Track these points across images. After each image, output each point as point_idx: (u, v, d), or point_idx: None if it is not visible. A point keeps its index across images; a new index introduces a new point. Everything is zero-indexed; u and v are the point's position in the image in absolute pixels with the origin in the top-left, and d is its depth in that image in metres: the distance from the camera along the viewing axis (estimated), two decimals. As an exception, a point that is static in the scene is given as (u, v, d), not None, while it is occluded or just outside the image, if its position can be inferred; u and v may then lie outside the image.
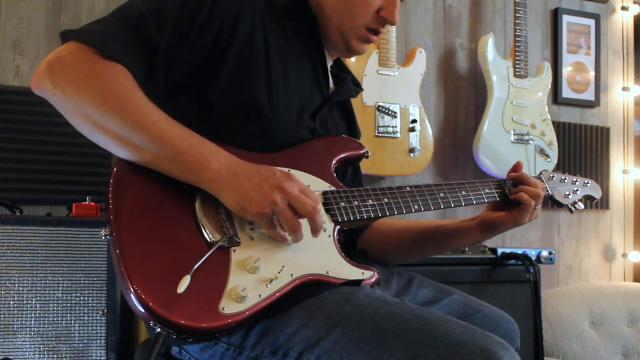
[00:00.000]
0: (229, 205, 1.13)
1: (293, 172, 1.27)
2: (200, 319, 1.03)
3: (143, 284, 1.02)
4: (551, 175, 1.59)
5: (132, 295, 1.02)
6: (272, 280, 1.11)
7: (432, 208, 1.37)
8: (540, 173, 1.59)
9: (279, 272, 1.12)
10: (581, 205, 1.60)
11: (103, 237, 1.10)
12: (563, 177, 1.60)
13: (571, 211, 1.59)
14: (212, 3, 1.24)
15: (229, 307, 1.06)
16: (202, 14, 1.23)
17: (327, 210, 1.25)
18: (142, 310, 1.02)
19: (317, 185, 1.28)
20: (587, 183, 1.63)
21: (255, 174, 1.13)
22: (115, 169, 1.15)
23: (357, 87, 1.56)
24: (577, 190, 1.60)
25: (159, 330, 1.03)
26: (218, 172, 1.12)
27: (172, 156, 1.12)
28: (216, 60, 1.25)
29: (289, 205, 1.12)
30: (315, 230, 1.15)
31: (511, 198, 1.46)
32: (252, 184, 1.12)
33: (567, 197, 1.58)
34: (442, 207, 1.38)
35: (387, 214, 1.31)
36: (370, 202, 1.30)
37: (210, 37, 1.24)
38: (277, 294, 1.11)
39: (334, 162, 1.35)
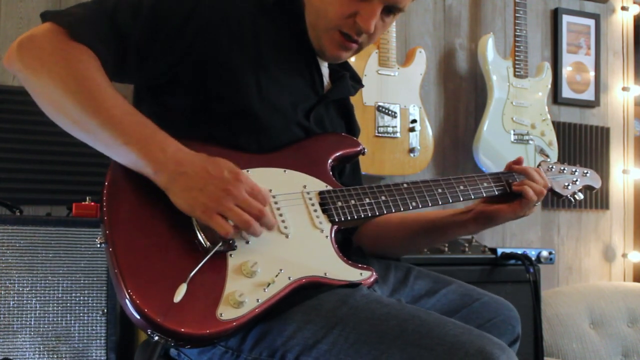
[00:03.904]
0: (176, 204, 1.10)
1: (289, 172, 1.27)
2: (197, 326, 1.03)
3: (139, 292, 1.02)
4: (550, 166, 1.57)
5: (128, 303, 1.02)
6: (269, 284, 1.10)
7: (430, 205, 1.36)
8: (539, 164, 1.57)
9: (276, 276, 1.12)
10: (581, 196, 1.58)
11: (98, 246, 1.10)
12: (562, 168, 1.58)
13: (571, 202, 1.58)
14: (195, 1, 1.24)
15: (226, 313, 1.05)
16: (182, 10, 1.22)
17: (324, 211, 1.25)
18: (138, 317, 1.01)
19: (313, 185, 1.28)
20: (587, 173, 1.61)
21: (201, 173, 1.10)
22: (109, 175, 1.14)
23: (356, 84, 1.53)
24: (577, 180, 1.58)
25: (157, 338, 1.03)
26: (162, 166, 1.10)
27: (120, 145, 1.11)
28: (204, 61, 1.24)
29: (236, 205, 1.09)
30: (268, 229, 1.13)
31: (514, 189, 1.43)
32: (197, 183, 1.09)
33: (567, 188, 1.56)
34: (440, 203, 1.38)
35: (385, 212, 1.30)
36: (368, 200, 1.29)
37: (188, 35, 1.22)
38: (275, 298, 1.10)
39: (330, 160, 1.34)
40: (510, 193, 1.45)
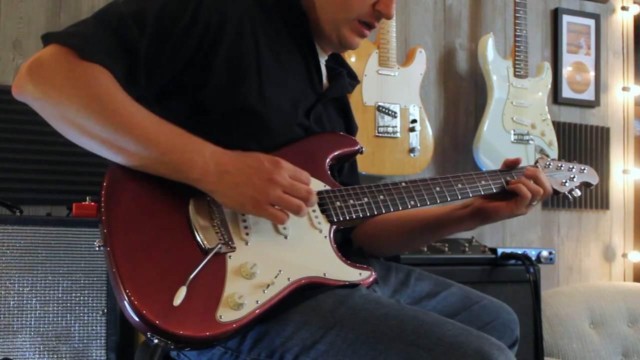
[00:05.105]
0: (225, 204, 1.13)
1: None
2: (197, 328, 1.03)
3: (138, 294, 1.02)
4: (547, 163, 1.57)
5: (127, 305, 1.02)
6: (269, 286, 1.10)
7: (428, 203, 1.36)
8: (537, 161, 1.57)
9: (276, 277, 1.12)
10: (578, 192, 1.58)
11: (97, 248, 1.09)
12: (559, 165, 1.57)
13: (568, 199, 1.58)
14: (195, 5, 1.22)
15: (226, 315, 1.05)
16: (185, 16, 1.21)
17: (322, 211, 1.25)
18: (137, 319, 1.01)
19: (312, 185, 1.26)
20: (584, 169, 1.61)
21: (243, 168, 1.12)
22: (107, 177, 1.14)
23: (353, 81, 1.54)
24: (574, 177, 1.58)
25: (156, 341, 1.03)
26: (205, 170, 1.11)
27: (158, 157, 1.11)
28: (204, 63, 1.24)
29: (284, 192, 1.12)
30: (310, 206, 1.18)
31: (507, 188, 1.43)
32: (242, 179, 1.11)
33: (564, 185, 1.56)
34: (438, 201, 1.38)
35: (383, 211, 1.30)
36: (366, 200, 1.29)
37: (194, 40, 1.22)
38: (275, 299, 1.10)
39: (328, 160, 1.34)
40: (508, 191, 1.44)
